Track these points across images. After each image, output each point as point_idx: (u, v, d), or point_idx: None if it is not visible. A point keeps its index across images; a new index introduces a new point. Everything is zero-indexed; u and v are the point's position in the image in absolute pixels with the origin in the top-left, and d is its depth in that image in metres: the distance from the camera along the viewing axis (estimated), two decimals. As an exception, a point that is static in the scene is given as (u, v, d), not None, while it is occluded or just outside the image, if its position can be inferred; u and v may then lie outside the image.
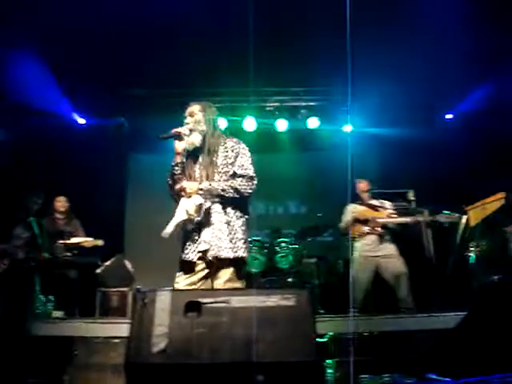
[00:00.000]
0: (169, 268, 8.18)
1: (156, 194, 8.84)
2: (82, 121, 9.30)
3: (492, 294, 4.26)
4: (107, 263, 7.43)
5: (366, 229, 6.81)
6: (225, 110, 9.14)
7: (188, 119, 4.13)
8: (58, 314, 6.77)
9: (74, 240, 6.81)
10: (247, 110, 9.22)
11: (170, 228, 3.85)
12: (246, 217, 4.03)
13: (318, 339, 2.90)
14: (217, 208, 3.90)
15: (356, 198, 7.05)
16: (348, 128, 9.13)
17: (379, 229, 6.77)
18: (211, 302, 2.82)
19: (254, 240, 7.99)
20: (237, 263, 3.84)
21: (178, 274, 3.92)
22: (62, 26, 6.52)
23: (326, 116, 9.14)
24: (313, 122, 9.15)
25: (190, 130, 4.06)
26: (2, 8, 6.28)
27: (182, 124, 4.12)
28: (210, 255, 3.79)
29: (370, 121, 8.89)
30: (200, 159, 4.06)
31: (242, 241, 3.88)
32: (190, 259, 3.84)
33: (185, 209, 3.89)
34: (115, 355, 5.49)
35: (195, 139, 4.05)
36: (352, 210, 6.95)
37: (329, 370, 4.62)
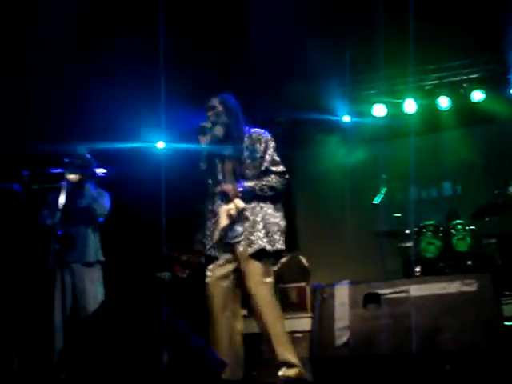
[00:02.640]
0: (341, 261, 8.29)
1: (322, 188, 9.03)
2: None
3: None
4: (283, 260, 7.62)
5: None
6: (383, 94, 9.00)
7: (209, 113, 4.10)
8: (243, 312, 7.07)
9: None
10: (406, 92, 8.97)
11: (217, 235, 3.93)
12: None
13: (506, 323, 2.76)
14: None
15: None
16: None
17: None
18: (390, 293, 2.80)
19: (428, 225, 7.76)
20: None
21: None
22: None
23: (490, 87, 8.62)
24: (477, 95, 8.67)
25: (212, 123, 4.03)
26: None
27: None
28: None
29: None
30: (226, 153, 4.05)
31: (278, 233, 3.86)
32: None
33: (228, 214, 3.90)
34: (299, 349, 5.61)
35: (218, 132, 4.02)
36: None
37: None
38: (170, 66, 5.65)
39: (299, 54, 7.64)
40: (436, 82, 8.81)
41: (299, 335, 5.71)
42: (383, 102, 8.99)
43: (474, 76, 8.60)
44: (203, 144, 4.04)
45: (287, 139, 9.36)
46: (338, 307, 2.76)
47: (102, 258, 5.24)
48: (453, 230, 7.66)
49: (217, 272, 3.93)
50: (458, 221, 7.72)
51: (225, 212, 3.93)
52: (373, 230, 7.52)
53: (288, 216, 9.33)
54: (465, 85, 8.70)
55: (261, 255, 3.78)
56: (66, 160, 4.95)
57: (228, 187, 3.95)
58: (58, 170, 4.95)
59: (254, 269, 3.77)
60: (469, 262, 7.39)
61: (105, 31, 6.84)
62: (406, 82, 8.85)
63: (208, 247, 4.00)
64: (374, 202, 7.17)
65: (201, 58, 7.40)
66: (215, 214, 4.01)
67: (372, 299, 2.76)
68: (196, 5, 7.01)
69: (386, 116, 9.10)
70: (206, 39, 7.35)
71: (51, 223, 5.00)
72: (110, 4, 6.74)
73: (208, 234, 4.05)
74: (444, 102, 8.88)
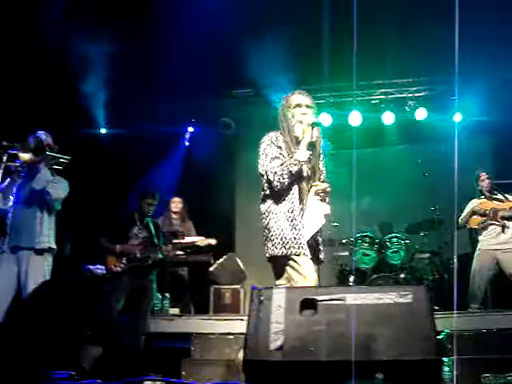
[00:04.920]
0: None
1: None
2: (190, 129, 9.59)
3: None
4: (220, 261, 7.61)
5: (484, 220, 6.58)
6: (329, 105, 9.10)
7: (308, 110, 4.02)
8: (174, 311, 7.02)
9: (188, 239, 7.03)
10: (352, 105, 9.10)
11: (310, 234, 3.83)
12: None
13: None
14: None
15: (479, 192, 6.84)
16: (457, 118, 8.77)
17: (500, 220, 6.50)
18: (326, 300, 2.81)
19: (364, 236, 7.90)
20: None
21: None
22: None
23: (433, 107, 8.84)
24: (421, 113, 8.87)
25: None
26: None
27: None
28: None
29: (481, 109, 8.52)
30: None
31: None
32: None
33: (324, 213, 3.88)
34: (230, 351, 5.62)
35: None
36: (472, 204, 6.77)
37: (445, 369, 4.49)
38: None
39: (247, 61, 7.66)
40: (382, 97, 8.97)
41: (231, 337, 5.71)
42: (329, 113, 9.10)
43: (420, 94, 8.80)
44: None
45: (233, 141, 9.39)
46: (275, 311, 2.75)
47: (53, 246, 5.04)
48: (388, 243, 7.83)
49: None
50: (393, 234, 7.89)
51: (320, 211, 3.87)
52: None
53: (227, 219, 9.47)
54: (410, 102, 8.89)
55: None
56: (21, 142, 4.84)
57: (325, 186, 3.91)
58: (13, 151, 4.83)
59: None
60: (402, 275, 7.57)
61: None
62: (352, 95, 8.99)
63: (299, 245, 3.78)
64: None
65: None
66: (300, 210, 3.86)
67: (308, 305, 2.76)
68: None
69: (331, 126, 9.21)
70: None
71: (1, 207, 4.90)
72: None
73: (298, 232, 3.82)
74: (388, 118, 9.05)
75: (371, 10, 6.49)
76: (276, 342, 2.72)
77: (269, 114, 8.64)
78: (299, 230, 3.78)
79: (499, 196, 6.74)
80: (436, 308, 6.33)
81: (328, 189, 3.92)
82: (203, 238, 7.04)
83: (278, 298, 2.86)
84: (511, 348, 4.95)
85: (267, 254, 3.87)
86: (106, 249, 6.10)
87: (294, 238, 3.75)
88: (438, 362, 2.65)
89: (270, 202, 3.91)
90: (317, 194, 3.90)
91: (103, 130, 9.05)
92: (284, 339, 2.72)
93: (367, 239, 7.88)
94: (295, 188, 3.87)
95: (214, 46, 7.31)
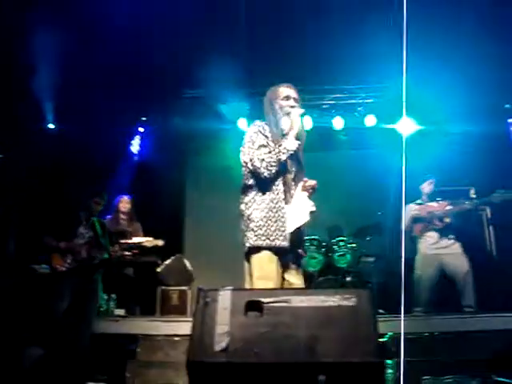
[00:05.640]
0: (227, 267, 8.28)
1: (215, 194, 9.01)
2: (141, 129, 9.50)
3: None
4: (167, 262, 7.55)
5: (425, 224, 6.72)
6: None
7: (295, 103, 4.09)
8: (119, 311, 6.93)
9: (135, 239, 6.95)
10: (304, 109, 9.16)
11: (292, 228, 3.81)
12: None
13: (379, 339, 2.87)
14: None
15: (418, 197, 6.97)
16: (403, 125, 8.94)
17: (439, 223, 6.65)
18: (271, 302, 2.82)
19: (312, 239, 7.97)
20: None
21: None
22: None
23: (382, 114, 8.99)
24: (370, 120, 9.01)
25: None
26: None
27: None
28: None
29: (427, 118, 8.71)
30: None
31: None
32: None
33: (309, 210, 3.89)
34: (176, 353, 5.58)
35: None
36: (410, 209, 6.88)
37: (389, 371, 4.57)
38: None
39: (198, 64, 7.66)
40: (333, 102, 9.08)
41: (177, 339, 5.67)
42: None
43: (369, 101, 8.93)
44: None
45: (183, 142, 9.34)
46: (220, 312, 2.75)
47: None
48: (335, 246, 7.93)
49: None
50: (340, 238, 7.99)
51: (306, 207, 3.88)
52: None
53: (176, 220, 9.39)
54: (359, 108, 9.02)
55: None
56: None
57: (313, 183, 3.96)
58: None
59: None
60: (348, 278, 7.67)
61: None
62: (304, 99, 9.06)
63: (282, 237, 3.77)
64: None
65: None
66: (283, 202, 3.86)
67: (254, 307, 2.77)
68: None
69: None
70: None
71: None
72: None
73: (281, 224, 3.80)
74: (338, 123, 9.17)
75: (321, 14, 6.57)
76: (220, 343, 2.72)
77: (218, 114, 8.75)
78: (283, 222, 3.78)
79: (436, 201, 6.89)
80: (380, 311, 6.44)
81: (316, 186, 3.96)
82: (151, 238, 6.98)
83: (224, 299, 2.86)
84: (451, 351, 5.07)
85: (247, 244, 3.81)
86: (50, 247, 5.97)
87: (279, 230, 3.75)
88: (379, 365, 2.69)
89: (253, 192, 3.88)
90: (305, 189, 3.94)
91: (51, 126, 8.87)
92: (229, 341, 2.72)
93: (315, 242, 7.95)
94: (280, 179, 3.87)
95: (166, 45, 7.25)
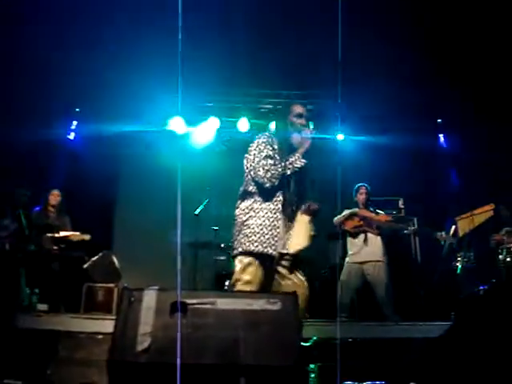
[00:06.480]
0: (157, 265, 8.21)
1: (146, 192, 8.91)
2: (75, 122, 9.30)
3: (478, 304, 4.28)
4: (94, 258, 7.41)
5: (360, 224, 6.83)
6: (218, 110, 9.18)
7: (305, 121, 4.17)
8: (42, 307, 6.75)
9: (62, 233, 6.81)
10: (242, 111, 9.23)
11: (294, 250, 3.98)
12: None
13: (302, 343, 2.91)
14: None
15: (355, 204, 7.09)
16: (340, 136, 9.13)
17: (374, 230, 6.79)
18: (196, 303, 2.82)
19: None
20: None
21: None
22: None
23: (318, 121, 9.08)
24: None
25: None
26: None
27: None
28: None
29: (362, 128, 8.90)
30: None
31: None
32: None
33: (310, 235, 4.08)
34: (99, 351, 5.47)
35: None
36: (351, 210, 7.01)
37: (311, 375, 4.63)
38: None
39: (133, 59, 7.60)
40: (270, 106, 9.15)
41: (100, 337, 5.57)
42: (218, 117, 9.19)
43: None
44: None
45: (117, 138, 9.20)
46: (144, 312, 2.72)
47: None
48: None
49: None
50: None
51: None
52: (191, 240, 7.56)
53: (106, 217, 9.22)
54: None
55: None
56: None
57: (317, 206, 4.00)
58: None
59: None
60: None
61: None
62: (242, 102, 9.13)
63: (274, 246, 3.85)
64: (195, 212, 7.32)
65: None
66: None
67: (179, 308, 2.76)
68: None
69: (219, 130, 9.32)
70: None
71: None
72: None
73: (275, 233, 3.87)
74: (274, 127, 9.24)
75: (260, 21, 6.62)
76: (143, 343, 2.70)
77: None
78: (278, 232, 3.85)
79: (372, 210, 7.05)
80: (307, 315, 6.51)
81: (318, 209, 4.03)
82: (78, 232, 6.85)
83: (149, 299, 2.84)
84: (372, 357, 5.19)
85: (240, 249, 3.87)
86: None
87: (273, 239, 3.82)
88: (299, 369, 2.73)
89: (251, 199, 3.94)
90: (308, 212, 3.99)
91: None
92: (151, 341, 2.70)
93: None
94: (281, 193, 3.92)
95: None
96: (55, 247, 6.73)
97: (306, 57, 7.54)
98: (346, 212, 7.00)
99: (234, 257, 3.96)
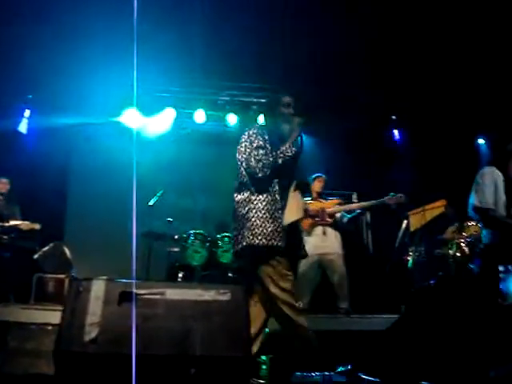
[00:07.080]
0: (108, 256, 8.12)
1: (98, 183, 8.79)
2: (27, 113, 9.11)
3: (425, 298, 4.37)
4: (45, 249, 7.30)
5: (315, 220, 6.85)
6: (175, 100, 9.12)
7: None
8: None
9: (12, 222, 6.69)
10: (199, 103, 9.20)
11: (287, 222, 3.91)
12: None
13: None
14: None
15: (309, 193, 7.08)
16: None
17: (329, 219, 6.82)
18: (146, 294, 2.81)
19: (197, 233, 7.99)
20: None
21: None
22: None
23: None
24: (262, 119, 9.14)
25: None
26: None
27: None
28: None
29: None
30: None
31: None
32: None
33: (303, 207, 4.16)
34: (49, 342, 5.40)
35: None
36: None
37: (263, 366, 4.65)
38: None
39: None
40: (227, 98, 9.15)
41: (50, 328, 5.50)
42: (174, 108, 9.13)
43: (263, 100, 9.06)
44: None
45: (69, 128, 9.06)
46: (93, 302, 2.70)
47: None
48: (220, 242, 7.99)
49: None
50: (226, 233, 8.05)
51: None
52: (145, 230, 7.51)
53: (58, 206, 9.06)
54: (254, 107, 9.14)
55: None
56: None
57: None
58: None
59: None
60: (229, 274, 7.76)
61: None
62: (198, 93, 9.10)
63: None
64: (149, 203, 7.28)
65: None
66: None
67: (127, 298, 2.74)
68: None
69: (175, 122, 9.27)
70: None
71: None
72: None
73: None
74: (232, 119, 9.27)
75: (216, 11, 6.59)
76: (91, 333, 2.68)
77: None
78: (280, 223, 3.82)
79: (324, 198, 7.07)
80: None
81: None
82: (27, 222, 6.73)
83: (97, 289, 2.81)
84: (322, 349, 5.25)
85: (244, 243, 3.81)
86: None
87: (276, 231, 3.78)
88: (246, 360, 2.75)
89: (248, 191, 3.91)
90: (298, 188, 4.01)
91: None
92: (99, 331, 2.68)
93: (200, 237, 7.98)
94: (276, 182, 3.90)
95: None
96: (5, 236, 6.60)
97: (262, 48, 7.55)
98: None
99: (238, 252, 3.92)
